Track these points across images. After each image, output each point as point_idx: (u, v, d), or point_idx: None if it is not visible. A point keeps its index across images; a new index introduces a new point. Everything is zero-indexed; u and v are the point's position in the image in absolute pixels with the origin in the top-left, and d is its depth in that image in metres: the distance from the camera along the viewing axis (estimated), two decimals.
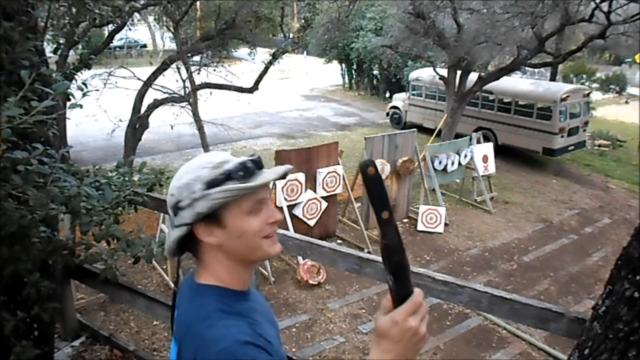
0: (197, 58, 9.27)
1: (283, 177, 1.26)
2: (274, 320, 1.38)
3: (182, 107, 8.45)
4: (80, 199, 2.02)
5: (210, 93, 8.92)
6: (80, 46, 8.04)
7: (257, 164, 1.22)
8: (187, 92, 8.07)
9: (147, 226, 6.91)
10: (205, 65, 9.15)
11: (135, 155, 8.57)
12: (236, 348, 1.08)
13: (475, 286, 1.79)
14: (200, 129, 8.24)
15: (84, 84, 1.99)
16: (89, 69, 2.76)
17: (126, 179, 2.42)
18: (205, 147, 8.37)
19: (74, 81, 2.58)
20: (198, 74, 8.79)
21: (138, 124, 8.69)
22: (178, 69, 8.28)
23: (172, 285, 6.04)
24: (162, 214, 5.88)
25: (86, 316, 5.02)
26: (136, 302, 3.08)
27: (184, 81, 8.10)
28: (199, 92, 8.44)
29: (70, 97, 2.10)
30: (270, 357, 1.10)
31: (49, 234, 2.28)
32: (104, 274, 2.38)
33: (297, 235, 2.55)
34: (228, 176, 1.17)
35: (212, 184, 1.17)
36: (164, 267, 6.29)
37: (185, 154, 11.73)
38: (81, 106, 1.99)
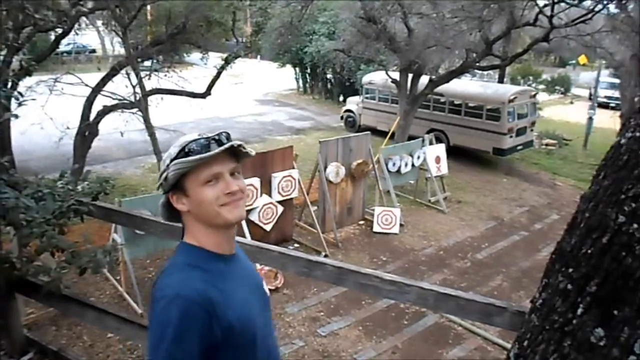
0: (147, 63, 9.10)
1: (234, 151, 1.39)
2: (260, 289, 1.57)
3: (133, 113, 8.28)
4: (19, 210, 1.95)
5: (162, 98, 8.76)
6: (24, 51, 7.75)
7: (219, 140, 1.37)
8: (138, 98, 7.91)
9: (99, 236, 6.69)
10: (156, 70, 8.99)
11: (85, 164, 8.33)
12: (173, 298, 1.27)
13: (422, 284, 1.83)
14: (152, 135, 8.09)
15: (19, 93, 1.93)
16: (30, 75, 2.67)
17: (70, 188, 2.35)
18: (158, 154, 8.22)
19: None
20: (149, 79, 8.62)
21: (87, 131, 8.45)
22: (128, 74, 8.11)
23: (126, 295, 5.90)
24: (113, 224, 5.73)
25: (36, 331, 4.84)
26: (85, 315, 2.98)
27: (134, 87, 7.94)
28: (150, 98, 8.28)
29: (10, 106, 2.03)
30: (204, 316, 1.27)
31: None
32: (47, 287, 2.30)
33: (246, 241, 2.54)
34: (185, 151, 1.35)
35: (174, 159, 1.36)
36: (117, 277, 6.13)
37: (137, 161, 11.48)
38: (16, 116, 1.93)
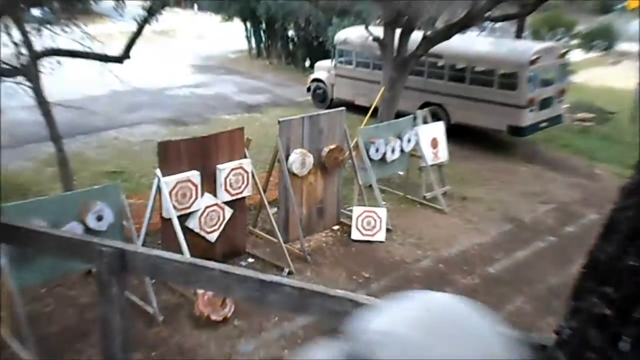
0: (37, 13, 8.87)
1: None
2: None
3: (18, 83, 8.05)
4: None
5: (59, 63, 8.55)
6: None
7: None
8: (25, 61, 7.70)
9: None
10: (49, 23, 8.75)
11: None
12: None
13: None
14: (47, 113, 7.90)
15: None
16: None
17: None
18: (57, 141, 8.04)
19: None
20: (40, 36, 8.40)
21: None
22: (7, 28, 7.87)
23: (9, 339, 5.70)
24: None
25: None
26: None
27: (16, 45, 7.72)
28: (43, 62, 8.07)
29: None
30: None
31: None
32: None
33: (177, 256, 2.48)
34: None
35: None
36: None
37: (28, 150, 11.24)
38: None
